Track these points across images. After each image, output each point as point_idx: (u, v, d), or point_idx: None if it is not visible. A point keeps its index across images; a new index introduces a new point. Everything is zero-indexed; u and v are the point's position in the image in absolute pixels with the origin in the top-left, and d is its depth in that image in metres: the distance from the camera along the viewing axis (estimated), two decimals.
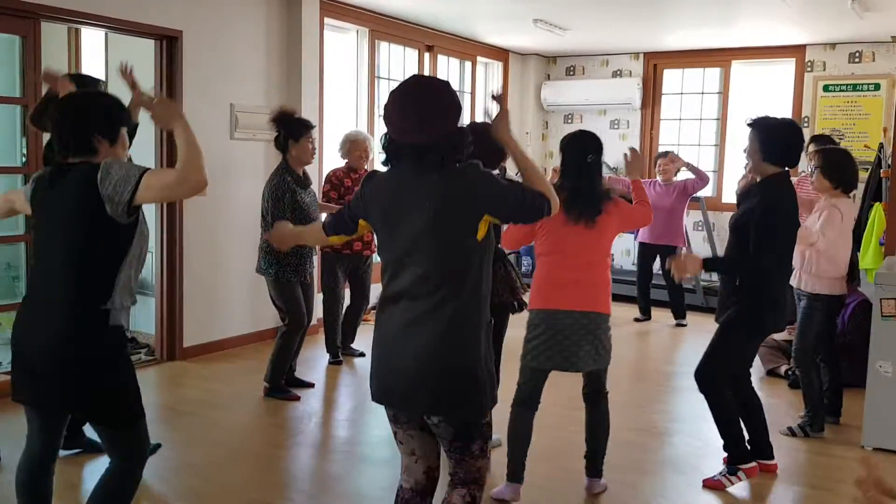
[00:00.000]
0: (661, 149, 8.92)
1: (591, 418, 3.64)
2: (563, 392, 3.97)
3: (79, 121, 2.58)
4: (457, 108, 2.33)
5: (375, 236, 2.46)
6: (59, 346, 2.48)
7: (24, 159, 5.01)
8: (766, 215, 3.54)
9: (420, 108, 2.28)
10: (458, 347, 2.31)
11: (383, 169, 2.50)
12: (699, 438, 4.47)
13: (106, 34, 6.03)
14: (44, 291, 2.57)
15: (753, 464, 3.81)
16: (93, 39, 6.43)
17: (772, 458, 3.96)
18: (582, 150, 3.44)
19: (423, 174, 2.29)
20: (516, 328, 3.85)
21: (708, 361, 3.78)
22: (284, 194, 4.78)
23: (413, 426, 2.44)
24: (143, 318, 6.26)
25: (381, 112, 2.40)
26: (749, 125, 3.71)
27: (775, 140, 3.60)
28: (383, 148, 2.40)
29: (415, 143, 2.28)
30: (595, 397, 3.62)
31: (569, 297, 3.36)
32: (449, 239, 2.30)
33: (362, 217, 2.47)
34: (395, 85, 7.76)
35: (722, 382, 3.78)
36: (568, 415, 4.26)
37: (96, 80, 4.35)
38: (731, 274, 3.79)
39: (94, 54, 6.51)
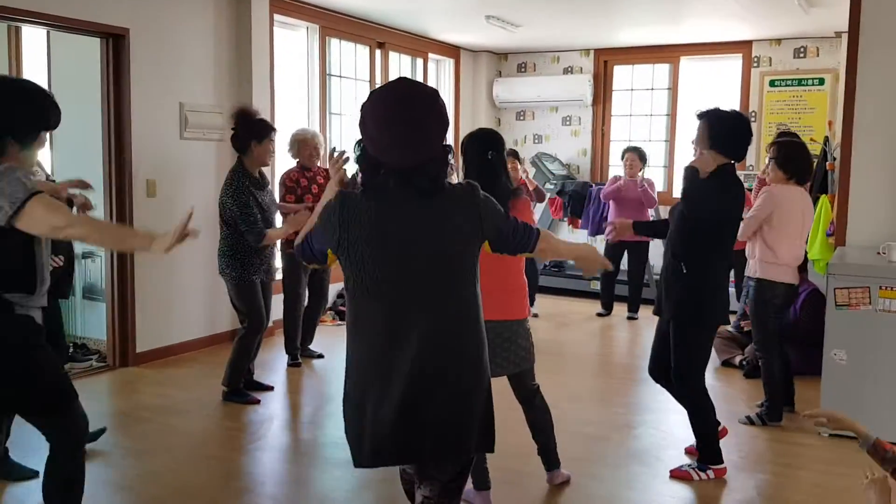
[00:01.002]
0: (614, 146, 9.03)
1: (532, 416, 3.61)
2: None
3: None
4: (444, 124, 2.09)
5: (346, 263, 2.11)
6: None
7: None
8: (703, 202, 3.61)
9: (406, 126, 2.01)
10: (477, 383, 2.14)
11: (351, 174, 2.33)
12: (662, 430, 4.53)
13: (48, 32, 5.83)
14: None
15: (724, 466, 3.83)
16: (34, 38, 6.22)
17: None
18: (482, 147, 3.33)
19: (416, 200, 2.05)
20: None
21: (678, 362, 3.78)
22: (248, 198, 4.69)
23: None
24: (93, 324, 6.09)
25: (359, 119, 2.09)
26: (699, 116, 3.77)
27: (722, 130, 3.66)
28: (357, 161, 2.12)
29: (398, 165, 2.04)
30: (528, 396, 3.58)
31: (485, 308, 3.27)
32: (454, 268, 2.10)
33: (331, 247, 2.12)
34: (346, 83, 7.65)
35: (695, 379, 3.79)
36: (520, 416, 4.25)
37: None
38: (649, 233, 4.02)
39: (36, 53, 6.30)
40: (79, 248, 5.58)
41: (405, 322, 2.07)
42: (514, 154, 7.32)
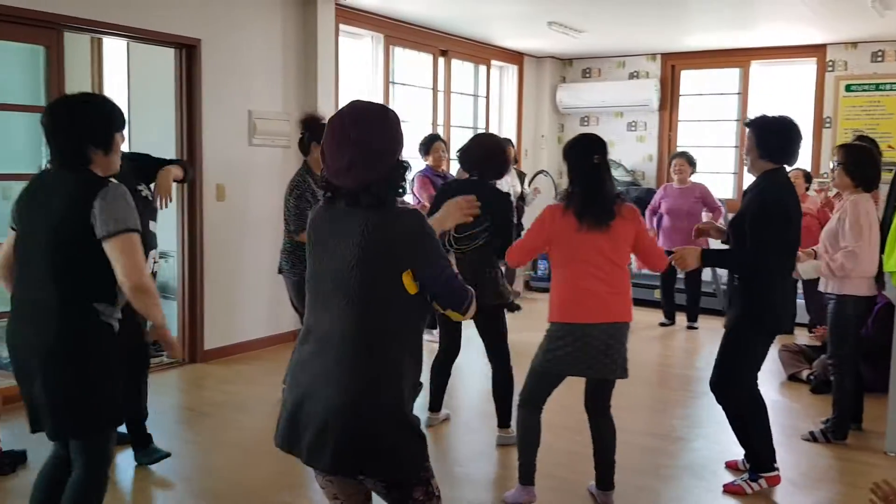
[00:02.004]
0: (679, 150, 8.88)
1: (599, 431, 3.57)
2: (575, 394, 3.94)
3: (71, 132, 2.57)
4: (395, 143, 2.11)
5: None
6: (50, 343, 2.50)
7: (46, 167, 5.07)
8: (762, 211, 3.53)
9: (349, 147, 2.04)
10: (373, 405, 2.06)
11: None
12: (718, 444, 4.44)
13: (127, 43, 6.11)
14: (29, 293, 2.59)
15: (776, 473, 3.76)
16: (115, 48, 6.52)
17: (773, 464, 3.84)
18: (586, 152, 3.39)
19: (352, 214, 2.08)
20: (532, 331, 3.87)
21: (719, 369, 3.75)
22: (305, 192, 4.81)
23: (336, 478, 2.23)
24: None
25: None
26: (747, 125, 3.73)
27: (771, 137, 3.60)
28: (320, 181, 2.19)
29: (347, 185, 2.08)
30: (603, 409, 3.57)
31: (593, 310, 3.31)
32: (371, 286, 2.06)
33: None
34: (409, 90, 7.79)
35: (736, 389, 3.74)
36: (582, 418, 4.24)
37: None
38: (727, 266, 3.79)
39: (116, 63, 6.60)
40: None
41: (327, 335, 2.11)
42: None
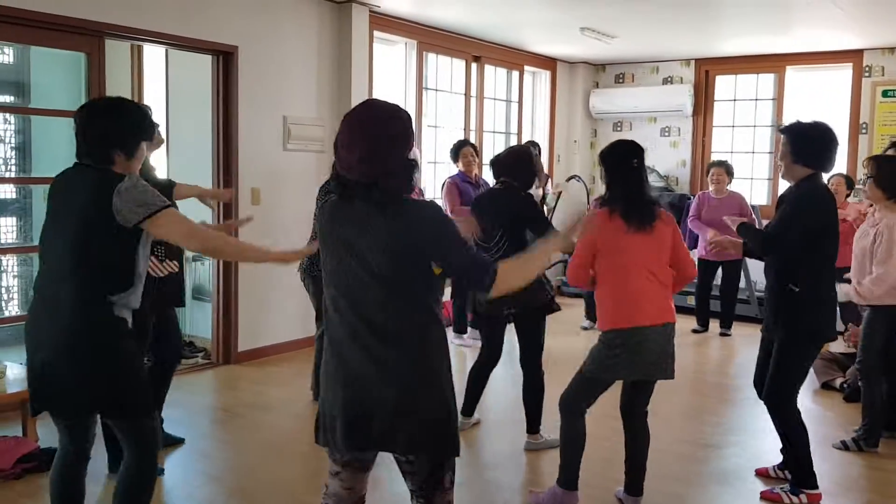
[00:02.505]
0: (714, 156, 8.83)
1: (634, 434, 3.57)
2: (601, 400, 3.95)
3: (101, 133, 2.66)
4: (404, 141, 2.20)
5: (325, 269, 2.32)
6: (67, 336, 2.58)
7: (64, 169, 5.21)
8: (794, 207, 3.54)
9: (361, 142, 2.15)
10: (435, 388, 2.23)
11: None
12: (749, 451, 4.42)
13: (166, 50, 6.25)
14: (50, 287, 2.66)
15: (818, 491, 3.72)
16: (154, 55, 6.66)
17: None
18: (625, 157, 3.43)
19: (373, 211, 2.17)
20: (559, 336, 3.89)
21: (773, 383, 3.71)
22: (329, 192, 4.87)
23: (363, 468, 2.40)
24: (200, 323, 6.46)
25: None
26: (780, 131, 3.72)
27: (805, 143, 3.58)
28: (332, 178, 2.29)
29: (358, 179, 2.18)
30: (640, 413, 3.57)
31: (649, 312, 3.33)
32: (404, 274, 2.18)
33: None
34: (442, 96, 7.84)
35: (789, 401, 3.70)
36: (609, 424, 4.25)
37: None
38: (755, 245, 3.76)
39: (155, 69, 6.74)
40: (189, 251, 5.94)
41: (352, 326, 2.22)
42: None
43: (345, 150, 2.19)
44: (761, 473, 4.05)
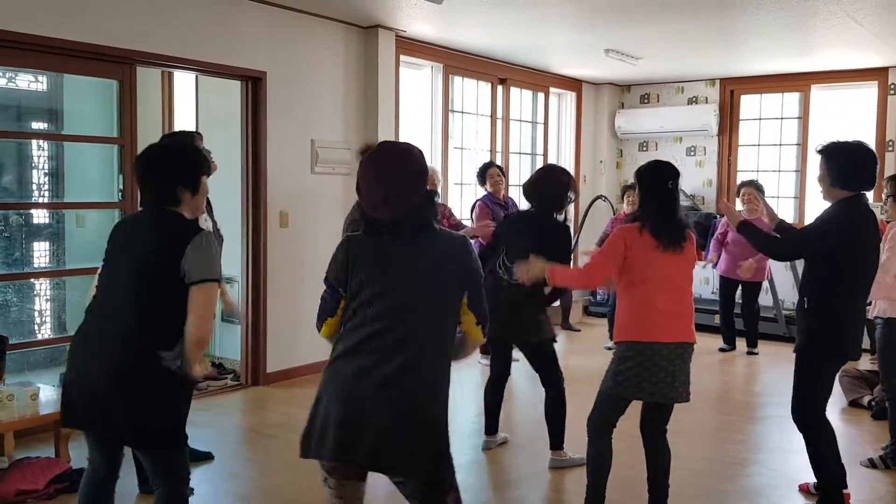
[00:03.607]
0: (741, 176, 8.80)
1: (655, 454, 3.57)
2: (625, 417, 3.97)
3: (164, 174, 2.77)
4: (421, 177, 2.39)
5: (350, 298, 2.41)
6: (115, 373, 2.62)
7: (120, 195, 5.36)
8: (826, 223, 3.56)
9: (382, 183, 2.34)
10: (433, 407, 2.33)
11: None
12: (774, 470, 4.41)
13: (196, 76, 6.41)
14: (106, 320, 2.71)
15: None
16: (184, 81, 6.83)
17: (845, 486, 3.84)
18: (662, 177, 3.47)
19: (407, 240, 2.35)
20: (582, 355, 3.92)
21: (795, 396, 3.72)
22: (355, 221, 4.97)
23: (349, 476, 2.44)
24: (229, 345, 6.55)
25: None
26: (819, 152, 3.69)
27: (843, 164, 3.57)
28: (359, 216, 2.45)
29: (383, 217, 2.35)
30: (660, 431, 3.57)
31: (664, 329, 3.35)
32: (436, 301, 2.35)
33: (343, 286, 2.43)
34: (468, 118, 7.92)
35: (815, 417, 3.69)
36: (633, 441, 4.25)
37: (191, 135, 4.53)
38: (758, 243, 3.81)
39: (186, 95, 6.92)
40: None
41: (389, 350, 2.31)
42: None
43: (367, 192, 2.38)
44: (803, 489, 4.04)
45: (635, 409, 3.55)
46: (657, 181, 3.47)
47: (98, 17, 4.96)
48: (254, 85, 5.97)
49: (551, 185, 4.38)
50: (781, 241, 3.82)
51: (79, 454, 4.29)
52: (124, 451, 2.94)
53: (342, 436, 2.30)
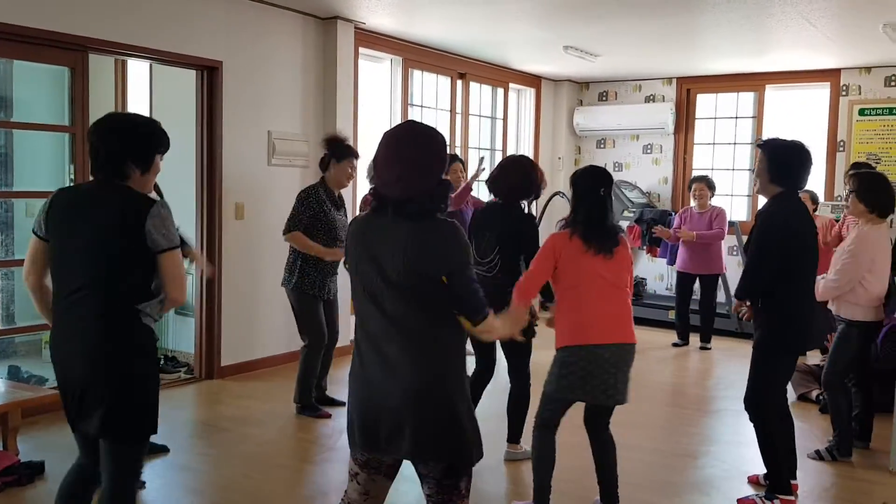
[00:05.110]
0: (695, 173, 8.93)
1: (600, 448, 3.62)
2: (580, 412, 4.00)
3: (115, 148, 2.68)
4: (440, 163, 2.36)
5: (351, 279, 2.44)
6: (98, 352, 2.59)
7: (71, 185, 5.24)
8: (766, 232, 3.61)
9: (400, 162, 2.31)
10: (439, 389, 2.32)
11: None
12: (725, 461, 4.49)
13: (151, 65, 6.29)
14: (74, 303, 2.65)
15: (793, 497, 3.77)
16: (138, 70, 6.70)
17: (794, 477, 3.95)
18: (594, 184, 3.51)
19: (398, 224, 2.30)
20: (539, 350, 3.94)
21: (749, 387, 3.79)
22: (310, 199, 4.94)
23: (381, 471, 2.45)
24: (182, 338, 6.46)
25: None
26: (758, 146, 3.79)
27: (782, 161, 3.66)
28: (370, 193, 2.43)
29: (397, 197, 2.30)
30: (602, 427, 3.62)
31: (603, 331, 3.38)
32: (420, 284, 2.29)
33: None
34: (427, 112, 7.88)
35: (768, 408, 3.77)
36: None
37: None
38: (747, 295, 3.84)
39: (140, 84, 6.78)
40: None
41: (369, 331, 2.36)
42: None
43: (383, 168, 2.34)
44: (752, 481, 4.11)
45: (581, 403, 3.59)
46: (589, 188, 3.51)
47: (50, 1, 4.84)
48: (209, 75, 5.88)
49: (512, 175, 4.39)
50: (747, 282, 3.83)
51: (29, 448, 4.20)
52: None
53: (364, 426, 2.35)
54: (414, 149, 2.32)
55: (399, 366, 2.29)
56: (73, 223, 2.67)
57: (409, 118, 7.69)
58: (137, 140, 2.73)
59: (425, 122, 7.80)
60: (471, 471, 2.41)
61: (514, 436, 4.42)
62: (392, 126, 2.43)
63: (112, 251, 2.61)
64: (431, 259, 2.27)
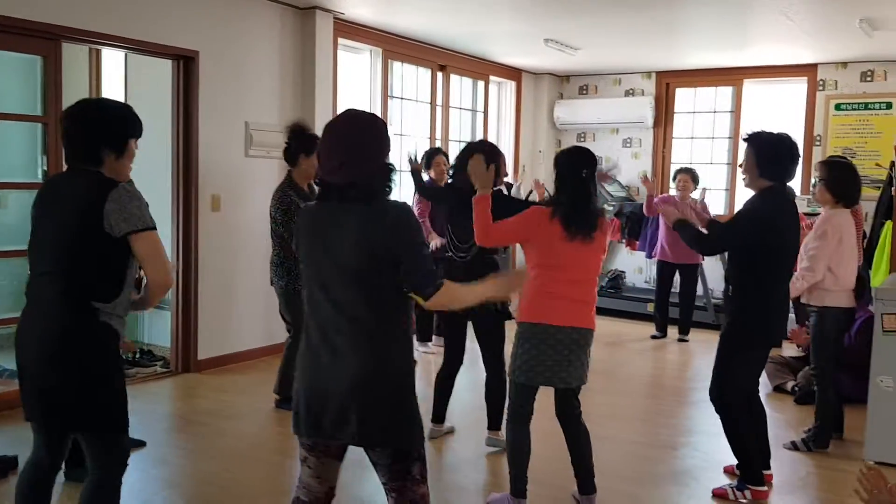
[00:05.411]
0: (674, 167, 8.96)
1: (573, 437, 3.63)
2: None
3: (89, 133, 2.64)
4: (381, 147, 2.37)
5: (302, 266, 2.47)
6: (53, 343, 2.55)
7: (44, 176, 5.15)
8: (747, 219, 3.64)
9: (341, 149, 2.32)
10: (384, 376, 2.32)
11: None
12: (703, 452, 4.51)
13: (125, 55, 6.21)
14: (38, 292, 2.63)
15: (764, 488, 3.80)
16: (113, 60, 6.62)
17: (768, 468, 3.98)
18: (577, 166, 3.48)
19: (346, 209, 2.32)
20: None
21: (715, 379, 3.81)
22: (291, 206, 4.90)
23: (329, 454, 2.47)
24: (158, 331, 6.40)
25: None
26: (745, 140, 3.79)
27: (769, 154, 3.67)
28: (315, 182, 2.43)
29: (337, 182, 2.33)
30: (574, 416, 3.62)
31: (561, 313, 3.39)
32: (370, 270, 2.29)
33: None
34: (407, 104, 7.82)
35: (732, 400, 3.78)
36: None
37: None
38: (690, 241, 3.83)
39: (114, 74, 6.70)
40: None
41: (319, 317, 2.38)
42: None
43: (325, 156, 2.35)
44: (728, 471, 4.14)
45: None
46: (572, 170, 3.48)
47: None
48: (186, 64, 5.81)
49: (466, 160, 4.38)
50: (708, 236, 3.88)
51: (2, 442, 4.13)
52: (69, 443, 2.82)
53: (309, 412, 2.36)
54: (354, 135, 2.35)
55: (346, 353, 2.31)
56: (42, 215, 2.66)
57: (389, 110, 7.66)
58: (110, 124, 2.68)
59: (405, 114, 7.85)
60: (423, 456, 2.43)
61: (494, 423, 4.43)
62: (331, 120, 2.46)
63: (71, 241, 2.56)
64: (382, 240, 2.28)
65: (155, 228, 2.63)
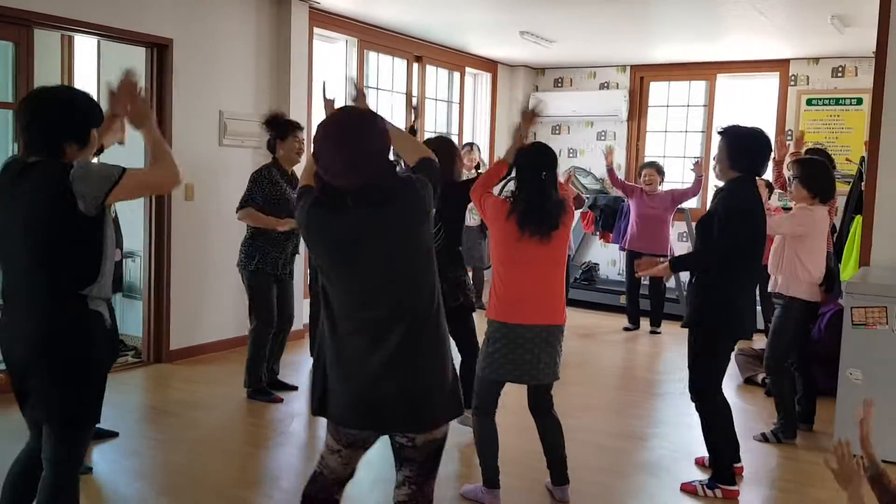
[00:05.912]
0: (648, 160, 9.03)
1: (546, 429, 3.65)
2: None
3: (51, 124, 2.56)
4: (385, 146, 2.30)
5: (323, 272, 2.37)
6: (44, 338, 2.51)
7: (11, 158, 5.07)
8: (727, 208, 3.66)
9: (345, 151, 2.22)
10: (439, 365, 2.38)
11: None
12: (674, 443, 4.56)
13: (98, 42, 6.12)
14: (19, 289, 2.58)
15: (735, 488, 3.83)
16: (85, 47, 6.52)
17: (738, 460, 4.03)
18: (538, 166, 3.44)
19: (372, 211, 2.25)
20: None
21: (691, 373, 3.85)
22: (262, 178, 4.90)
23: (366, 445, 2.49)
24: (130, 321, 6.33)
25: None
26: (719, 133, 3.83)
27: (742, 148, 3.71)
28: (317, 188, 2.31)
29: (346, 186, 2.23)
30: (546, 408, 3.64)
31: (528, 312, 3.40)
32: (413, 264, 2.31)
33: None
34: (383, 95, 7.80)
35: (709, 393, 3.81)
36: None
37: None
38: (695, 268, 3.86)
39: (87, 62, 6.60)
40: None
41: (381, 318, 2.32)
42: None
43: (328, 160, 2.23)
44: (699, 463, 4.19)
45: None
46: (532, 170, 3.45)
47: None
48: (159, 52, 5.74)
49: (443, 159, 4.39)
50: (704, 251, 3.85)
51: None
52: None
53: (365, 409, 2.34)
54: (359, 135, 2.24)
55: (401, 360, 2.30)
56: (8, 204, 2.57)
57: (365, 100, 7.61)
58: (73, 115, 2.61)
59: (382, 105, 7.82)
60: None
61: (468, 401, 4.44)
62: (329, 121, 2.34)
63: (45, 233, 2.50)
64: (423, 225, 2.33)
65: (126, 170, 2.55)
